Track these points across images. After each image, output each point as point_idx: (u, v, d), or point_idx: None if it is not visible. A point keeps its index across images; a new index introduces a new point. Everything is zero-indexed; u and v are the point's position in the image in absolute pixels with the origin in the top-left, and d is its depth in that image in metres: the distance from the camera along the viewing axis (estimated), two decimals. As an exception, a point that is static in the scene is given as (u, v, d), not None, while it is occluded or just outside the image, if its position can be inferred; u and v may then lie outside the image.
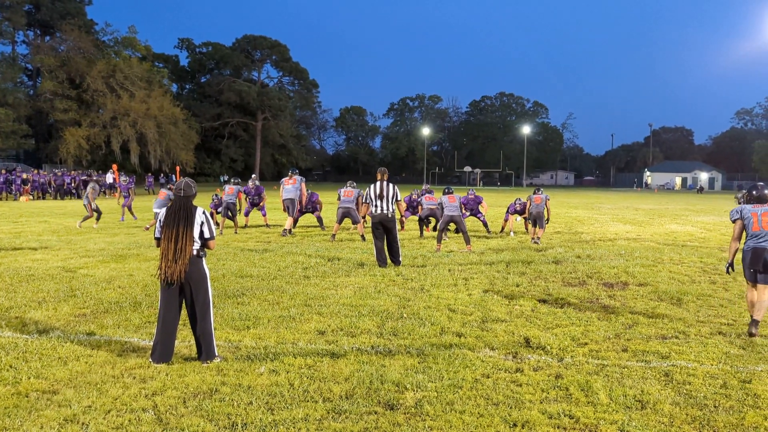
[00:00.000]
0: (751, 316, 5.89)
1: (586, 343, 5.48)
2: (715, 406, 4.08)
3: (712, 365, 4.91)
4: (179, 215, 4.86)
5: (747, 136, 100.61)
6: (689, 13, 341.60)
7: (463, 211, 14.14)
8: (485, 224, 15.61)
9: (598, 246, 12.85)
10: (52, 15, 58.82)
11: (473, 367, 4.78)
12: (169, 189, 15.26)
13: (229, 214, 15.02)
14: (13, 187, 31.76)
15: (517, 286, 8.24)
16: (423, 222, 14.85)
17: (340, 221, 13.47)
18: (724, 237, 15.13)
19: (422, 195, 15.38)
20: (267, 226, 16.27)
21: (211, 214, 14.10)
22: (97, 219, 16.35)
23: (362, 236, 13.42)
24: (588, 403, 4.11)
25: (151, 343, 5.06)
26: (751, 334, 5.75)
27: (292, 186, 14.44)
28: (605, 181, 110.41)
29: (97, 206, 16.54)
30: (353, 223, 13.63)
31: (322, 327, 5.97)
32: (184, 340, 5.39)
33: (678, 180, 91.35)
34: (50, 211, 22.91)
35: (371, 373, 4.60)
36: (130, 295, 7.36)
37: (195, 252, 4.90)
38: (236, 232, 14.92)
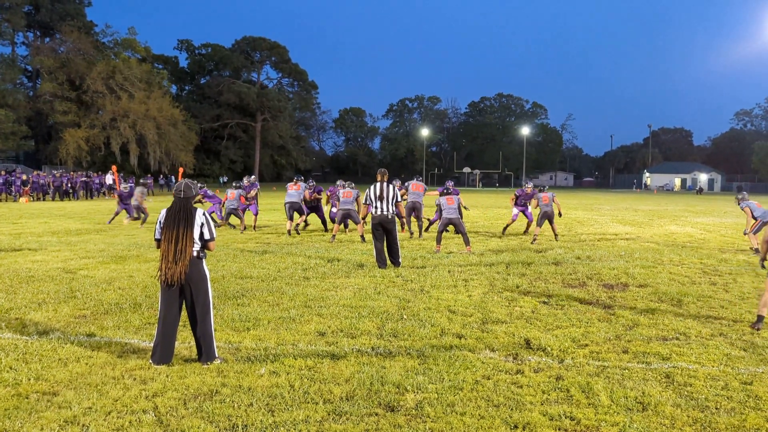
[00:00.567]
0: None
1: (586, 345, 5.48)
2: (716, 408, 4.07)
3: (713, 367, 4.91)
4: (179, 216, 4.86)
5: (746, 137, 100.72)
6: (688, 15, 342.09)
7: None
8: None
9: (597, 247, 12.85)
10: (51, 16, 58.83)
11: (474, 369, 4.78)
12: (237, 188, 15.98)
13: (235, 215, 15.47)
14: (12, 189, 31.72)
15: (517, 287, 8.23)
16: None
17: (340, 222, 13.47)
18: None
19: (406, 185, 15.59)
20: (254, 228, 16.05)
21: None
22: (143, 221, 16.63)
23: (362, 237, 13.41)
24: (589, 404, 4.10)
25: (152, 345, 5.05)
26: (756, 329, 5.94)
27: (295, 191, 14.79)
28: (604, 182, 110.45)
29: (144, 208, 16.89)
30: (355, 224, 13.61)
31: (322, 328, 5.97)
32: (184, 342, 5.39)
33: (677, 181, 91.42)
34: (50, 212, 22.89)
35: (372, 375, 4.60)
36: (130, 296, 7.35)
37: (195, 253, 4.89)
38: (242, 231, 15.24)
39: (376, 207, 9.75)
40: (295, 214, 15.19)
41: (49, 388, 4.25)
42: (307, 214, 15.53)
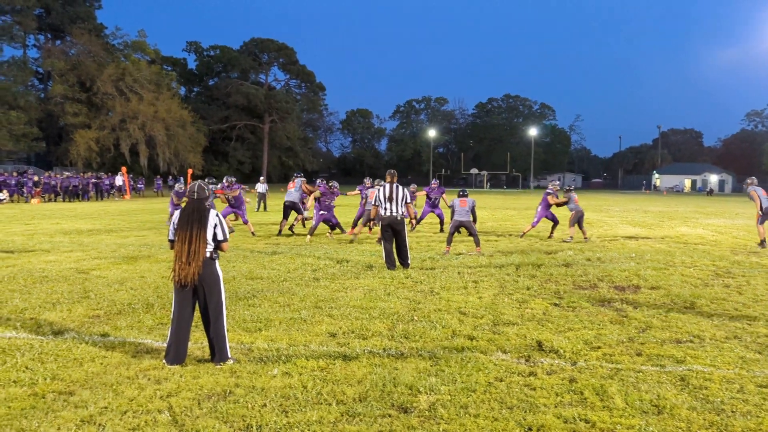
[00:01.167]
0: None
1: (599, 347, 5.46)
2: (732, 411, 4.05)
3: (728, 369, 4.88)
4: (193, 217, 4.89)
5: (757, 138, 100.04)
6: (699, 14, 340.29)
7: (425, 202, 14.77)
8: (442, 221, 16.09)
9: (608, 249, 12.80)
10: (62, 19, 59.29)
11: (486, 371, 4.77)
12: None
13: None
14: (24, 190, 31.98)
15: (528, 289, 8.22)
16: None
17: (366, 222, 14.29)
18: (736, 240, 15.04)
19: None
20: (231, 230, 14.94)
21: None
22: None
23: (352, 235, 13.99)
24: (604, 407, 4.09)
25: (165, 345, 5.09)
26: None
27: (293, 189, 15.18)
28: (613, 183, 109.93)
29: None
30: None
31: (333, 329, 5.98)
32: (197, 342, 5.41)
33: (687, 182, 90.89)
34: (61, 213, 23.05)
35: (384, 376, 4.60)
36: (142, 296, 7.39)
37: (208, 254, 4.92)
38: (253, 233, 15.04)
39: (385, 208, 9.76)
40: (292, 213, 15.51)
41: (65, 388, 4.28)
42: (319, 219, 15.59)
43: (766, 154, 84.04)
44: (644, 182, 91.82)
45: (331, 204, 14.09)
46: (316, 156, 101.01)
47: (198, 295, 4.94)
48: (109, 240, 13.46)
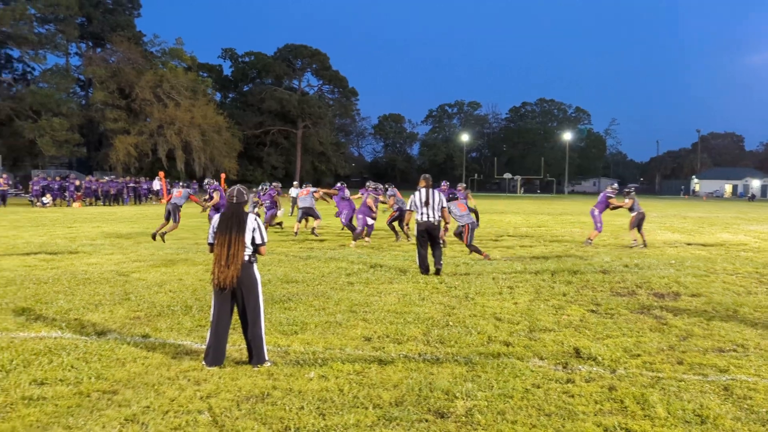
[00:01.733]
0: None
1: (639, 355, 5.37)
2: (778, 422, 3.94)
3: (773, 379, 4.75)
4: (232, 221, 4.97)
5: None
6: (738, 13, 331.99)
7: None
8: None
9: (646, 255, 12.56)
10: (103, 27, 60.93)
11: (523, 377, 4.74)
12: (185, 187, 15.20)
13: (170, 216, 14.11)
14: (66, 194, 32.87)
15: (564, 295, 8.12)
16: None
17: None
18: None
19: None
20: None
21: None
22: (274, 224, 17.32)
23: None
24: (645, 416, 4.02)
25: (204, 347, 5.18)
26: None
27: (306, 196, 16.03)
28: (650, 189, 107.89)
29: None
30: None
31: (368, 333, 6.00)
32: (235, 344, 5.49)
33: (728, 187, 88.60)
34: (102, 216, 23.63)
35: (420, 381, 4.61)
36: (180, 299, 7.54)
37: (246, 257, 4.99)
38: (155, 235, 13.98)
39: (422, 213, 9.73)
40: (310, 219, 16.66)
41: (109, 387, 4.39)
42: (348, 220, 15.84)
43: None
44: (683, 187, 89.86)
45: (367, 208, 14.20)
46: (348, 161, 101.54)
47: (236, 298, 5.02)
48: (148, 243, 13.74)
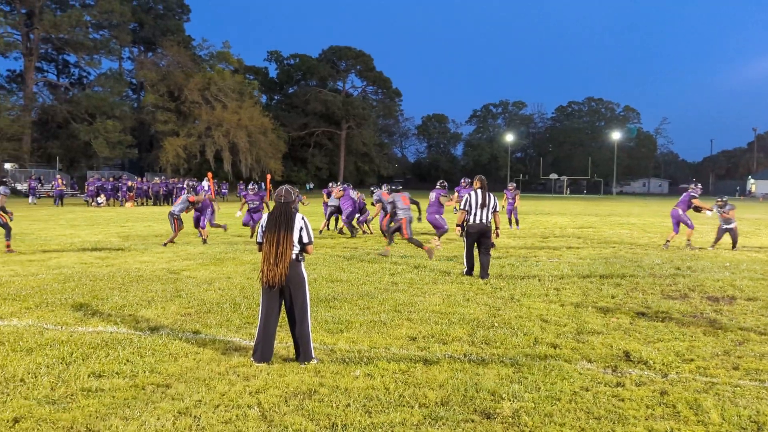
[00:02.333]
0: None
1: (692, 359, 5.22)
2: (841, 432, 3.78)
3: (835, 388, 4.55)
4: (280, 220, 5.06)
5: None
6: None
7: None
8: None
9: (699, 257, 12.20)
10: (154, 32, 62.78)
11: (571, 380, 4.67)
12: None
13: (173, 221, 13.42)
14: (119, 194, 33.95)
15: (613, 297, 7.96)
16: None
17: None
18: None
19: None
20: (203, 240, 14.07)
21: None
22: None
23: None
24: (698, 422, 3.91)
25: (252, 343, 5.29)
26: None
27: (335, 197, 16.52)
28: (703, 189, 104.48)
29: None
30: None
31: (413, 333, 6.02)
32: (282, 341, 5.59)
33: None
34: (153, 216, 24.33)
35: (466, 381, 4.60)
36: (229, 296, 7.70)
37: (294, 256, 5.07)
38: (166, 244, 13.42)
39: (475, 215, 9.48)
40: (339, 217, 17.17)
41: (162, 381, 4.53)
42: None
43: None
44: (738, 188, 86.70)
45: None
46: (392, 161, 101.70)
47: (284, 296, 5.10)
48: (197, 242, 14.08)
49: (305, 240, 5.12)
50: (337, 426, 3.80)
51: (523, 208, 26.60)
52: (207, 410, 4.00)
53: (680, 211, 13.93)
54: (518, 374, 4.80)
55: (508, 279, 9.33)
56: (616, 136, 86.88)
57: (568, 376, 4.74)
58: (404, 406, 4.14)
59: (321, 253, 12.16)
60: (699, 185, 14.39)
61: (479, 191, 9.57)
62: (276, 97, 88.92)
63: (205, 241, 13.98)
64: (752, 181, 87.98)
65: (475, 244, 9.61)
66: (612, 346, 5.62)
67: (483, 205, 9.43)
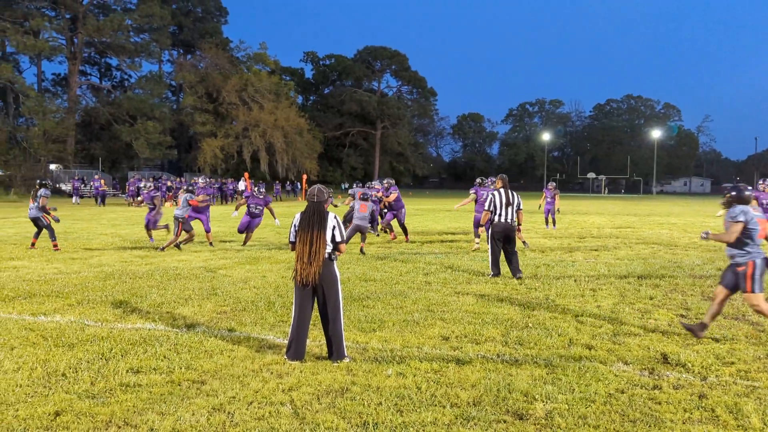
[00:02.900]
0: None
1: (732, 363, 5.08)
2: None
3: None
4: (313, 219, 5.10)
5: None
6: None
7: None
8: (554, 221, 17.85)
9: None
10: (193, 35, 64.04)
11: (606, 381, 4.59)
12: (187, 191, 13.30)
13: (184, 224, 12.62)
14: (159, 194, 34.68)
15: (651, 298, 7.80)
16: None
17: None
18: None
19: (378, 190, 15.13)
20: (210, 243, 13.59)
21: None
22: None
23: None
24: (738, 426, 3.81)
25: (286, 341, 5.35)
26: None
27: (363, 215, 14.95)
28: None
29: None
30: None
31: (446, 333, 6.00)
32: (315, 340, 5.63)
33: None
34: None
35: (498, 382, 4.56)
36: (264, 295, 7.80)
37: (327, 255, 5.11)
38: (163, 248, 12.41)
39: (500, 214, 9.46)
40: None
41: (197, 377, 4.62)
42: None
43: None
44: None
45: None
46: (427, 161, 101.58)
47: (317, 295, 5.15)
48: (234, 241, 14.28)
49: (338, 239, 5.15)
50: (368, 424, 3.82)
51: (560, 207, 26.22)
52: (240, 407, 4.06)
53: (760, 211, 13.26)
54: (552, 375, 4.74)
55: (544, 279, 9.22)
56: (656, 134, 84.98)
57: (603, 378, 4.66)
58: (436, 405, 4.13)
59: (355, 252, 12.21)
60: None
61: (502, 190, 9.57)
62: (312, 98, 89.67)
63: (211, 244, 13.33)
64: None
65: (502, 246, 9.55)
66: (649, 348, 5.51)
67: (508, 204, 9.42)
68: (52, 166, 49.41)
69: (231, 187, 41.19)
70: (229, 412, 3.97)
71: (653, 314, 6.89)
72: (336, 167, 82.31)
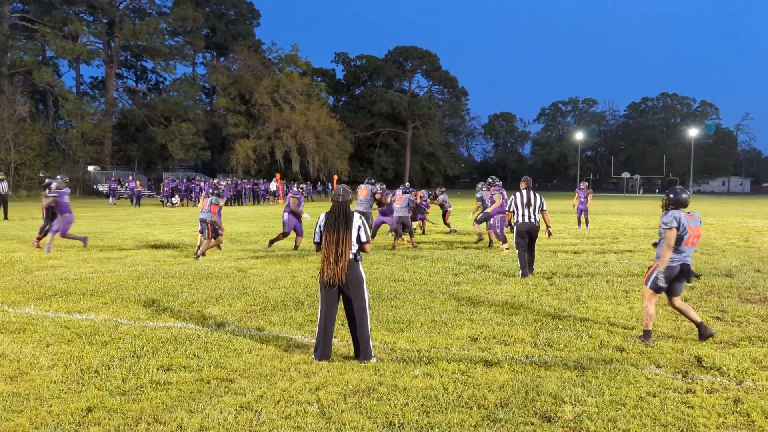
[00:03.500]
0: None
1: (770, 367, 4.93)
2: None
3: None
4: (339, 220, 5.11)
5: None
6: None
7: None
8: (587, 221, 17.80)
9: (782, 260, 11.49)
10: (226, 37, 64.92)
11: (637, 385, 4.50)
12: (213, 194, 11.94)
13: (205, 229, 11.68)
14: (192, 194, 35.24)
15: (686, 300, 7.61)
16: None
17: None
18: None
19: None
20: (218, 247, 12.63)
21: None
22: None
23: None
24: (774, 432, 3.69)
25: (313, 341, 5.37)
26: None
27: (363, 198, 14.11)
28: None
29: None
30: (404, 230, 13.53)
31: (474, 334, 5.95)
32: (342, 340, 5.65)
33: None
34: (223, 216, 25.00)
35: (526, 383, 4.51)
36: (293, 294, 7.86)
37: (352, 255, 5.12)
38: (197, 256, 11.42)
39: (522, 215, 9.63)
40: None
41: (226, 376, 4.67)
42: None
43: None
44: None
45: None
46: (458, 161, 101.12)
47: (343, 295, 5.16)
48: (265, 241, 14.43)
49: (363, 239, 5.16)
50: (394, 425, 3.81)
51: (593, 207, 25.86)
52: (268, 405, 4.09)
53: None
54: (582, 377, 4.66)
55: (575, 280, 9.09)
56: (692, 132, 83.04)
57: (635, 381, 4.57)
58: (462, 406, 4.11)
59: (385, 252, 12.22)
60: None
61: (524, 192, 9.73)
62: (343, 98, 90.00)
63: (219, 248, 12.59)
64: None
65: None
66: (683, 351, 5.38)
67: (528, 205, 9.61)
68: (90, 168, 50.65)
69: (263, 188, 41.63)
70: (256, 411, 4.00)
71: (688, 316, 6.72)
72: (367, 168, 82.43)
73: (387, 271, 9.84)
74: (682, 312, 5.85)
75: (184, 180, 37.68)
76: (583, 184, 18.70)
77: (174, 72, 59.92)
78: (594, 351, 5.39)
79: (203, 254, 11.54)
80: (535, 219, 9.62)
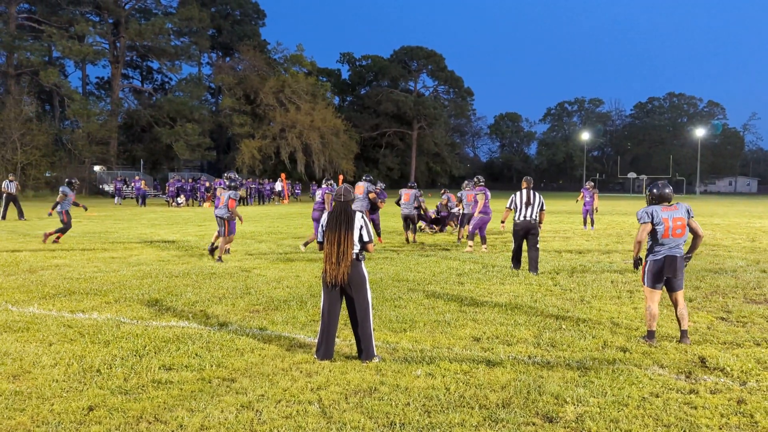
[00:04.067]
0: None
1: (774, 368, 4.90)
2: None
3: None
4: (341, 219, 5.11)
5: None
6: None
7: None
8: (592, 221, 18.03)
9: (788, 260, 11.41)
10: (231, 38, 64.98)
11: (640, 385, 4.48)
12: (230, 187, 11.23)
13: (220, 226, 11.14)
14: (198, 194, 35.32)
15: (690, 301, 7.58)
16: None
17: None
18: None
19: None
20: (227, 251, 11.81)
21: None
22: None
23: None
24: (778, 433, 3.67)
25: (316, 341, 5.37)
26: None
27: (359, 196, 13.79)
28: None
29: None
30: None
31: (477, 333, 5.94)
32: (345, 339, 5.64)
33: None
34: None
35: (529, 384, 4.49)
36: (296, 294, 7.86)
37: (354, 255, 5.11)
38: (219, 259, 10.93)
39: (520, 212, 9.94)
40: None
41: (228, 375, 4.67)
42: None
43: None
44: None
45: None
46: (464, 161, 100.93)
47: (346, 295, 5.16)
48: (270, 241, 14.45)
49: (365, 238, 5.15)
50: (395, 424, 3.80)
51: (599, 208, 25.76)
52: (269, 405, 4.09)
53: None
54: (584, 378, 4.65)
55: (579, 280, 9.06)
56: (699, 132, 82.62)
57: (638, 381, 4.55)
58: (464, 406, 4.09)
59: (389, 252, 12.20)
60: None
61: (524, 191, 10.02)
62: (348, 98, 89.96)
63: (227, 251, 11.89)
64: None
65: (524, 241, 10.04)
66: (687, 352, 5.35)
67: (528, 204, 9.91)
68: (96, 168, 50.80)
69: (268, 188, 41.69)
70: (257, 410, 4.00)
71: (692, 317, 6.70)
72: (372, 168, 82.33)
73: (391, 271, 9.83)
74: (677, 311, 5.76)
75: (190, 180, 37.76)
76: (589, 184, 18.64)
77: (179, 72, 60.00)
78: (597, 351, 5.37)
79: (221, 257, 10.95)
80: (533, 217, 9.92)
